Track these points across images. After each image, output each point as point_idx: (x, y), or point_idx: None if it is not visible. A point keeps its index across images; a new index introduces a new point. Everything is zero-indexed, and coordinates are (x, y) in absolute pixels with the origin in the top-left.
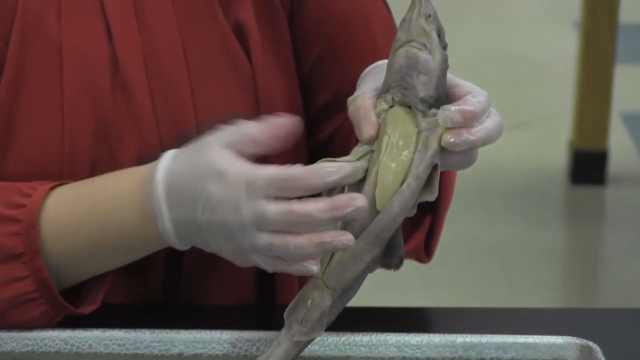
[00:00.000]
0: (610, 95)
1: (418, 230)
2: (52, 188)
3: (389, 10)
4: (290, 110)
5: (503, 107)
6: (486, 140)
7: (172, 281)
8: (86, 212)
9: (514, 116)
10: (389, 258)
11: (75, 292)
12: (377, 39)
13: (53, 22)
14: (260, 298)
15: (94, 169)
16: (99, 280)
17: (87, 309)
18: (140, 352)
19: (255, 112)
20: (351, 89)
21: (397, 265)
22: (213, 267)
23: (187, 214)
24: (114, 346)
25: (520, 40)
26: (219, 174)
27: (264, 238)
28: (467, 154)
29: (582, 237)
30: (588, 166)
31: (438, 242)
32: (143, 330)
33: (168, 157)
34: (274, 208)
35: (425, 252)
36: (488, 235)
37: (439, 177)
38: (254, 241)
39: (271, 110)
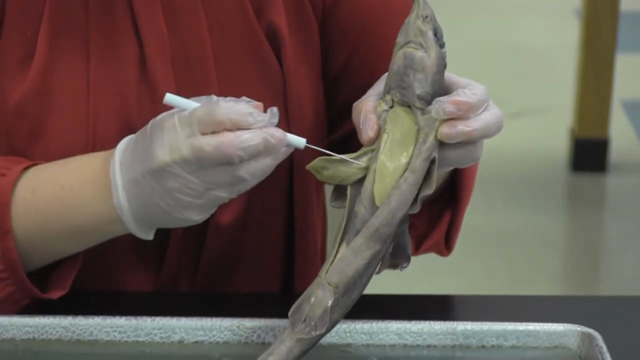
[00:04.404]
0: (611, 83)
1: (438, 226)
2: (26, 168)
3: None
4: (316, 112)
5: (504, 95)
6: (483, 133)
7: (189, 270)
8: (50, 195)
9: (515, 105)
10: (395, 259)
11: (45, 278)
12: None
13: (81, 15)
14: (284, 289)
15: None
16: (67, 266)
17: (54, 294)
18: (141, 339)
19: (283, 117)
20: None
21: (404, 266)
22: (235, 260)
23: (136, 174)
24: (115, 333)
25: (521, 28)
26: (159, 125)
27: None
28: (468, 149)
29: (583, 224)
30: (589, 154)
31: (457, 236)
32: (144, 318)
33: (126, 138)
34: (209, 140)
35: (445, 246)
36: (489, 223)
37: (459, 174)
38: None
39: (299, 114)
